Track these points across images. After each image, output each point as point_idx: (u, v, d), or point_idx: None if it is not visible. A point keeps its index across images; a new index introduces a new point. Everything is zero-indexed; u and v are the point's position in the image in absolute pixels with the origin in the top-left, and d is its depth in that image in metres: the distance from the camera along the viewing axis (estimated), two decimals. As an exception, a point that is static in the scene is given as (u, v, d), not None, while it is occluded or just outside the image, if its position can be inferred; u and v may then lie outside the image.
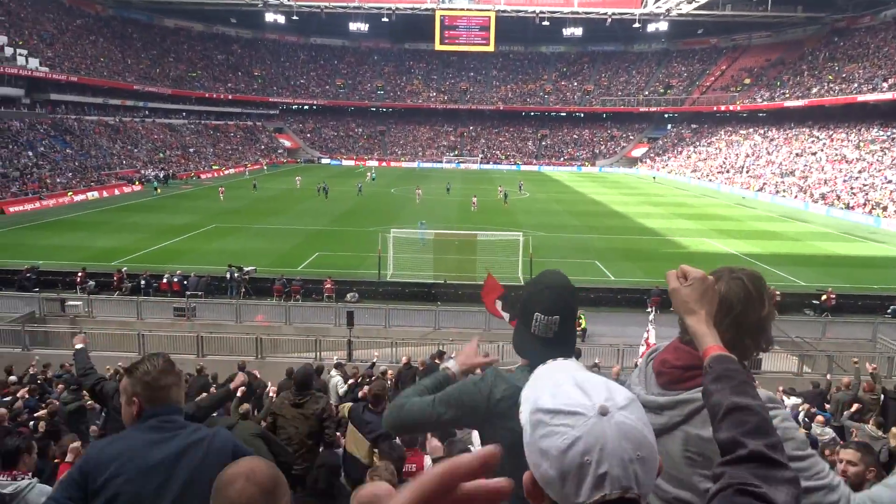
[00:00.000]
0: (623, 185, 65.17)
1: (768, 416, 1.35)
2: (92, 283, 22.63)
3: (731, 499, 1.16)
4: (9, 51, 54.85)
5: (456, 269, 26.01)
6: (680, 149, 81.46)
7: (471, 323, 19.63)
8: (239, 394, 6.91)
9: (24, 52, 56.48)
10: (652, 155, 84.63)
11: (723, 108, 78.55)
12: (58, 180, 46.95)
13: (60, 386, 10.60)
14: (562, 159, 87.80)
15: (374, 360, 15.38)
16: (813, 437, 8.58)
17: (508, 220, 38.01)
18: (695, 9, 75.89)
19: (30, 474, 3.76)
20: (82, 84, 62.11)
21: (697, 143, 79.74)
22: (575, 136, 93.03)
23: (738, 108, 76.02)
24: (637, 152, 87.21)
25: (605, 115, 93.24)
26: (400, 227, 30.56)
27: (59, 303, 20.54)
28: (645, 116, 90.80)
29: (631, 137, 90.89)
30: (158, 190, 50.40)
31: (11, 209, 38.23)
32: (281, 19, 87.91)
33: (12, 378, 11.56)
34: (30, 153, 49.14)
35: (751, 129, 74.18)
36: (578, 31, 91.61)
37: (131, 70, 73.28)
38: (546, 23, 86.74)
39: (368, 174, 63.98)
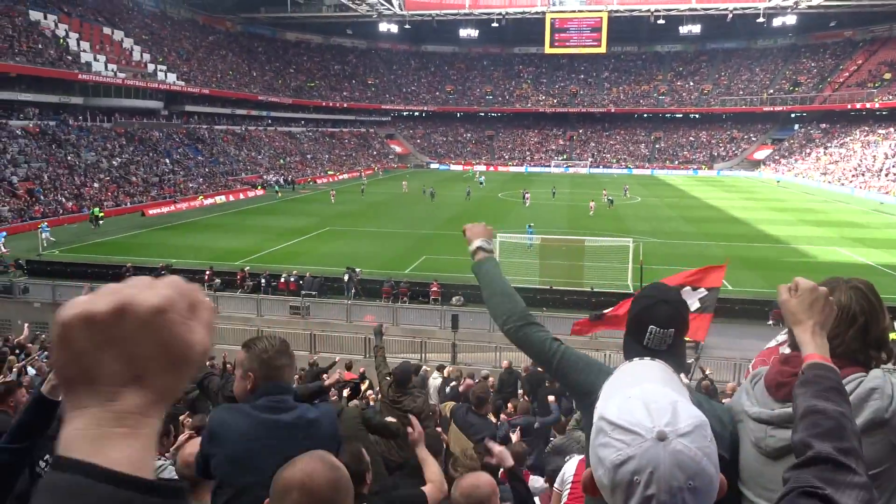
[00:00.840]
0: (743, 190, 61.64)
1: (846, 423, 1.29)
2: (218, 280, 24.28)
3: (794, 501, 1.16)
4: (151, 67, 60.12)
5: (563, 274, 25.65)
6: (808, 150, 75.91)
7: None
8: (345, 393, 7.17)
9: (164, 68, 61.71)
10: (776, 157, 79.44)
11: (858, 105, 72.42)
12: (190, 185, 50.82)
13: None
14: (676, 163, 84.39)
15: (484, 372, 15.45)
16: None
17: (618, 226, 37.01)
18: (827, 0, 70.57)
19: (166, 455, 4.08)
20: (213, 96, 67.00)
21: (828, 145, 73.96)
22: (691, 138, 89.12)
23: (877, 105, 69.79)
24: (760, 154, 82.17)
25: (724, 116, 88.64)
26: (506, 231, 30.55)
27: (189, 299, 22.18)
28: (769, 116, 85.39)
29: (753, 139, 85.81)
30: (279, 193, 53.37)
31: (150, 212, 41.76)
32: (394, 28, 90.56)
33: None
34: (167, 160, 53.52)
35: (891, 129, 67.88)
36: (696, 29, 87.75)
37: (256, 82, 78.12)
38: (661, 21, 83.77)
39: (476, 178, 64.33)
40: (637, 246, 26.06)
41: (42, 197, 38.75)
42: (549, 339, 2.23)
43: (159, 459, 3.91)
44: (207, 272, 24.50)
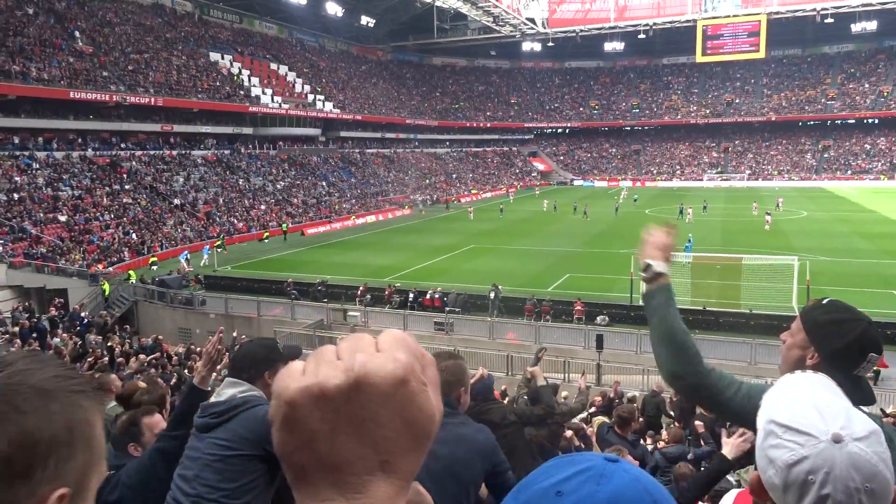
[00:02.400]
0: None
1: None
2: (369, 296, 25.55)
3: None
4: (310, 97, 64.96)
5: (717, 294, 24.17)
6: None
7: (732, 354, 18.06)
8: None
9: (322, 97, 66.40)
10: (975, 164, 69.59)
11: None
12: (344, 206, 54.05)
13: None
14: (849, 172, 76.59)
15: (630, 394, 14.95)
16: None
17: (779, 243, 34.23)
18: None
19: None
20: (365, 121, 71.05)
21: None
22: (867, 145, 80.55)
23: None
24: (953, 161, 72.44)
25: (907, 120, 79.30)
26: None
27: (342, 312, 23.57)
28: (965, 118, 75.16)
29: (944, 144, 75.91)
30: (423, 212, 55.22)
31: (309, 231, 44.89)
32: (537, 47, 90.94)
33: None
34: (323, 183, 57.38)
35: None
36: (872, 25, 79.49)
37: (404, 106, 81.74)
38: (830, 20, 76.91)
39: (622, 194, 62.25)
40: (803, 264, 23.97)
41: (218, 218, 43.02)
42: (727, 381, 1.98)
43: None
44: (361, 287, 25.85)
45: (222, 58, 59.40)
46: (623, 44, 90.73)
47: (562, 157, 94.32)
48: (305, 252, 38.17)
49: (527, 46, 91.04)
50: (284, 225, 43.89)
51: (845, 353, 1.83)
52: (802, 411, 1.06)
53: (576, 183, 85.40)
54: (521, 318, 23.03)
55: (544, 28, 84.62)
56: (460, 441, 2.61)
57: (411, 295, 25.12)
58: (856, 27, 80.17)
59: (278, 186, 52.36)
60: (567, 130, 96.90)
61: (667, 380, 2.02)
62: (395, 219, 53.98)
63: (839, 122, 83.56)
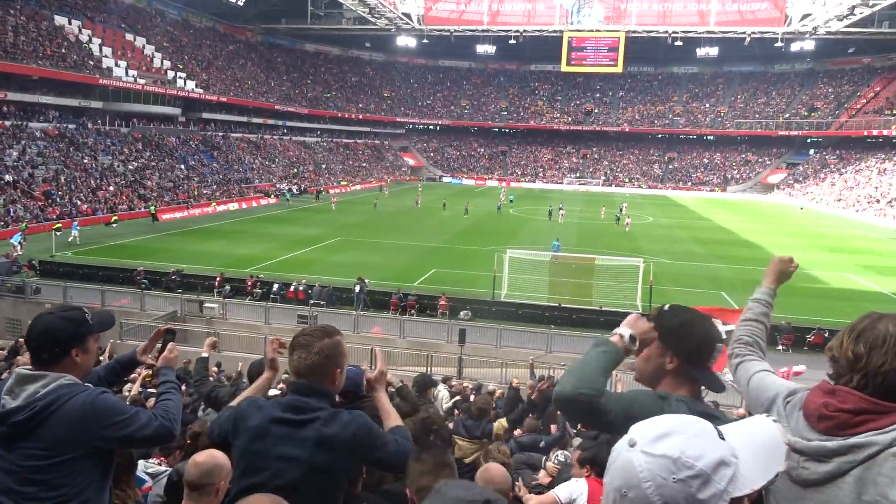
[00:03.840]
0: (755, 213, 61.31)
1: None
2: (228, 287, 24.41)
3: None
4: (171, 74, 60.88)
5: (572, 292, 25.58)
6: (823, 175, 75.49)
7: (582, 348, 19.13)
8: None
9: (183, 75, 62.46)
10: (790, 181, 79.07)
11: (875, 132, 72.07)
12: (203, 191, 51.22)
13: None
14: (689, 184, 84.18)
15: (491, 387, 15.40)
16: None
17: (629, 245, 36.90)
18: (846, 26, 70.19)
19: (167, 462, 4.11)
20: (230, 104, 67.68)
21: (843, 170, 73.53)
22: (705, 159, 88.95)
23: (894, 132, 69.40)
24: (774, 178, 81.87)
25: (739, 139, 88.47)
26: (517, 246, 30.56)
27: (198, 304, 22.33)
28: (784, 140, 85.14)
29: (767, 162, 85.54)
30: (290, 202, 53.60)
31: (164, 217, 42.12)
32: (412, 43, 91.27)
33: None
34: (182, 166, 54.03)
35: (908, 156, 67.42)
36: (714, 51, 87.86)
37: (273, 91, 78.87)
38: (679, 43, 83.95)
39: (502, 194, 62.67)
40: (647, 266, 25.97)
41: (58, 199, 39.20)
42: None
43: (161, 465, 3.94)
44: (218, 278, 24.64)
45: (69, 23, 54.02)
46: (494, 48, 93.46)
47: (432, 154, 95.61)
48: (158, 239, 35.77)
49: (402, 41, 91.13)
50: (153, 207, 42.14)
51: (701, 350, 2.02)
52: (657, 419, 1.16)
53: (444, 180, 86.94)
54: (387, 311, 23.07)
55: (419, 24, 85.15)
56: (321, 445, 2.30)
57: (275, 287, 24.34)
58: (700, 51, 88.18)
59: (130, 167, 48.61)
60: (438, 128, 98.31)
61: (569, 396, 1.95)
62: (260, 207, 52.04)
63: (683, 136, 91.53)
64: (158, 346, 2.95)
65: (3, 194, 36.52)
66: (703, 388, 2.11)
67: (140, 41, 61.38)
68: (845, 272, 32.43)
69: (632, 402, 1.95)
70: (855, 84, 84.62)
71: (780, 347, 19.43)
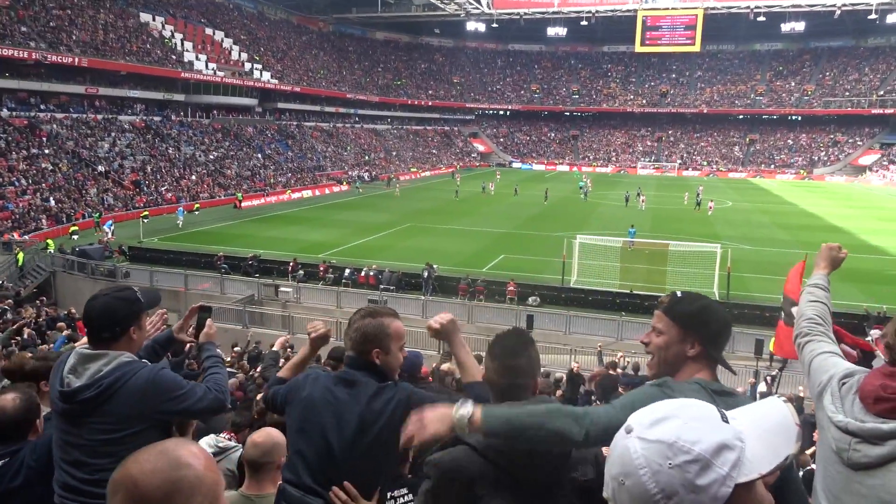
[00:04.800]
0: (846, 197, 57.83)
1: None
2: (301, 272, 25.13)
3: None
4: (248, 66, 62.90)
5: (644, 279, 24.96)
6: (922, 156, 70.39)
7: (656, 336, 18.68)
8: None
9: (259, 66, 64.40)
10: (885, 163, 74.07)
11: (983, 108, 66.50)
12: (279, 179, 52.81)
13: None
14: (772, 166, 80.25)
15: (557, 374, 15.29)
16: None
17: (705, 231, 35.62)
18: (950, -7, 64.96)
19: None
20: (304, 94, 69.34)
21: (946, 150, 68.29)
22: (789, 141, 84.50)
23: None
24: (865, 160, 76.82)
25: (826, 118, 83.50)
26: (588, 232, 30.05)
27: (274, 288, 23.12)
28: (879, 119, 79.65)
29: (859, 143, 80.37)
30: (361, 190, 54.39)
31: (242, 204, 43.71)
32: (481, 27, 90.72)
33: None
34: (259, 155, 55.86)
35: None
36: (800, 26, 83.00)
37: (345, 80, 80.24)
38: (762, 18, 79.83)
39: (586, 181, 59.77)
40: (725, 252, 25.00)
41: (145, 188, 41.31)
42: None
43: (231, 441, 4.11)
44: (291, 263, 25.40)
45: (153, 19, 56.63)
46: (565, 29, 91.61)
47: (502, 140, 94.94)
48: (238, 225, 37.17)
49: (471, 26, 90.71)
50: (239, 194, 44.43)
51: (722, 333, 1.96)
52: (655, 405, 1.14)
53: (514, 165, 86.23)
54: (455, 297, 23.18)
55: (489, 9, 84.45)
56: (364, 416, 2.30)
57: (346, 272, 24.89)
58: (785, 27, 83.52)
59: (210, 157, 50.66)
60: (508, 113, 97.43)
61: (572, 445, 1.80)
62: (332, 194, 53.17)
63: (766, 117, 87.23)
64: (193, 323, 3.01)
65: (96, 184, 38.79)
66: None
67: (219, 35, 63.63)
68: (945, 259, 30.22)
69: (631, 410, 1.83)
70: (960, 56, 78.19)
71: (868, 338, 18.35)
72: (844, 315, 20.67)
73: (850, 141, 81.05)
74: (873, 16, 73.84)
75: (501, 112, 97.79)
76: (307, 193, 51.55)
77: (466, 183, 61.68)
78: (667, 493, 1.00)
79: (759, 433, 1.07)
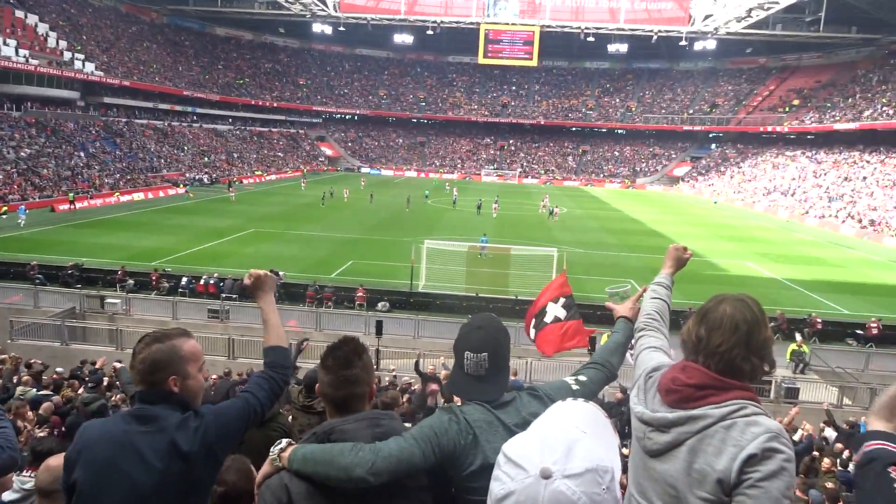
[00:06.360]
0: (665, 205, 64.16)
1: None
2: (131, 281, 23.18)
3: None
4: (67, 55, 57.02)
5: (488, 282, 25.90)
6: (723, 169, 79.93)
7: (500, 337, 19.44)
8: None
9: (82, 56, 58.64)
10: (694, 174, 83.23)
11: (769, 129, 76.87)
12: (106, 181, 48.42)
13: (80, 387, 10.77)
14: (601, 176, 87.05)
15: (405, 379, 15.35)
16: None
17: (544, 236, 37.76)
18: (744, 28, 74.43)
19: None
20: (134, 88, 64.19)
21: (741, 164, 78.12)
22: (616, 152, 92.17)
23: (786, 129, 74.27)
24: (679, 171, 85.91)
25: (647, 133, 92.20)
26: (437, 238, 30.64)
27: (99, 300, 21.09)
28: (688, 135, 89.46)
29: (673, 156, 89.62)
30: (191, 195, 50.84)
31: (61, 207, 39.52)
32: (328, 30, 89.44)
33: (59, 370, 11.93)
34: (81, 154, 50.82)
35: (798, 152, 72.36)
36: (623, 48, 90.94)
37: (182, 76, 75.40)
38: (591, 38, 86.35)
39: (454, 190, 58.72)
40: (561, 255, 26.64)
41: (-62, 187, 36.04)
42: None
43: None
44: (119, 272, 23.37)
45: (-51, -4, 49.63)
46: (412, 37, 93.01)
47: (350, 144, 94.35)
48: (55, 231, 33.54)
49: (317, 28, 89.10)
50: (71, 194, 41.03)
51: (455, 354, 2.24)
52: (525, 442, 1.00)
53: (363, 170, 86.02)
54: (303, 304, 22.60)
55: (336, 11, 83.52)
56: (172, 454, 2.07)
57: (183, 280, 23.33)
58: (611, 48, 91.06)
59: (22, 154, 45.27)
60: (356, 117, 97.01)
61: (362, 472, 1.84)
62: (168, 197, 49.74)
63: (595, 130, 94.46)
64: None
65: None
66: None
67: (32, 18, 57.07)
68: (744, 260, 34.47)
69: (431, 436, 1.98)
70: (752, 83, 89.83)
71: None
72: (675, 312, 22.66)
73: (666, 154, 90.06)
74: (683, 42, 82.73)
75: (349, 116, 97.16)
76: (139, 196, 47.78)
77: (314, 188, 60.42)
78: None
79: (596, 430, 1.10)
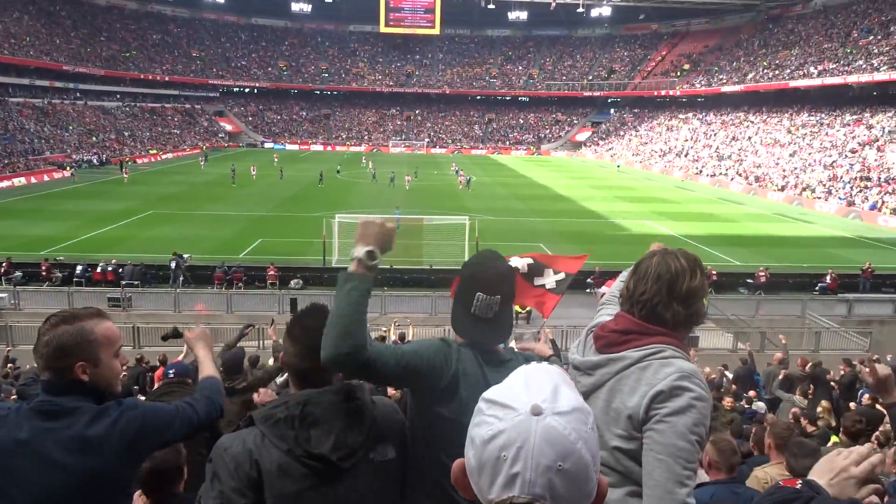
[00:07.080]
0: (570, 170, 66.02)
1: None
2: (18, 273, 21.55)
3: None
4: (-78, 27, 51.42)
5: (402, 253, 25.86)
6: (622, 133, 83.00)
7: (417, 307, 19.57)
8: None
9: (-60, 28, 53.05)
10: (595, 139, 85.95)
11: (663, 92, 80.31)
12: (-19, 166, 44.49)
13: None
14: (507, 143, 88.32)
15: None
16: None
17: (455, 205, 38.03)
18: (636, -6, 76.98)
19: None
20: (6, 63, 58.81)
21: (639, 128, 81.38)
22: (521, 120, 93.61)
23: (678, 93, 77.83)
24: (581, 136, 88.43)
25: (549, 100, 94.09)
26: (348, 211, 30.19)
27: (-17, 295, 19.50)
28: (589, 101, 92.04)
29: (575, 122, 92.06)
30: (75, 178, 47.09)
31: (-71, 196, 36.08)
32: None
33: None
34: (-51, 137, 46.35)
35: (690, 114, 76.12)
36: (524, 15, 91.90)
37: (60, 49, 69.73)
38: (491, 6, 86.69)
39: (370, 163, 56.61)
40: (473, 223, 26.96)
41: None
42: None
43: None
44: (4, 263, 21.65)
45: None
46: (310, 6, 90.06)
47: (251, 118, 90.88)
48: (-75, 223, 30.57)
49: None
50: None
51: (460, 292, 2.13)
52: (510, 384, 0.98)
53: (267, 146, 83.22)
54: (211, 286, 21.79)
55: (227, -21, 79.58)
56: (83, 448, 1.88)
57: (78, 269, 21.91)
58: (512, 15, 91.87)
59: None
60: (256, 90, 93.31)
61: (332, 359, 1.78)
62: (53, 181, 46.35)
63: (500, 98, 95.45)
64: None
65: None
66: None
67: None
68: (644, 220, 36.12)
69: (412, 353, 1.91)
70: (646, 48, 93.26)
71: (588, 291, 21.09)
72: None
73: (568, 120, 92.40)
74: (581, 10, 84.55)
75: (248, 89, 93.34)
76: (19, 181, 44.24)
77: (216, 165, 57.86)
78: (594, 457, 0.95)
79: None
